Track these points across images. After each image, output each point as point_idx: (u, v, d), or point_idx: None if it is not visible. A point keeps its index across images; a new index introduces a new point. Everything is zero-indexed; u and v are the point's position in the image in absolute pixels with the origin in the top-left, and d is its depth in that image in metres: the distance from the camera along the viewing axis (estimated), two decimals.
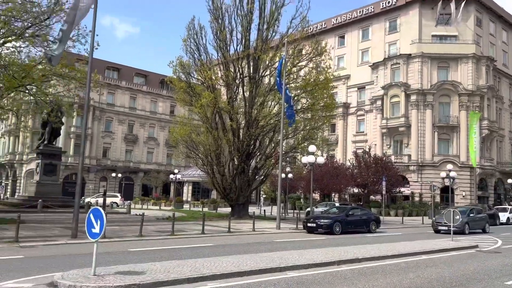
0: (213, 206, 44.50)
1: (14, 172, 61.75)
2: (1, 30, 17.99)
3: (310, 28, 40.61)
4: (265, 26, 30.18)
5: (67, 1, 19.15)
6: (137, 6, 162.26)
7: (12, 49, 19.71)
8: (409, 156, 49.24)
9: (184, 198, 56.36)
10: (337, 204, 35.86)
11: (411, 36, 52.19)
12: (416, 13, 52.79)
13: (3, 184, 64.97)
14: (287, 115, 24.97)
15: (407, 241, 17.64)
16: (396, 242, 17.53)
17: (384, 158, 42.82)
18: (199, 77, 30.73)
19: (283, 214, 35.00)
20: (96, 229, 8.57)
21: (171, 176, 53.50)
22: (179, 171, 55.31)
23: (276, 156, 29.67)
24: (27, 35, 18.73)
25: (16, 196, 49.71)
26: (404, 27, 53.86)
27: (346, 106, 58.07)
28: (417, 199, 47.42)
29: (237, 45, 30.54)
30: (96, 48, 17.49)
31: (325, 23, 61.28)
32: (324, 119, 31.53)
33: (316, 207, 35.09)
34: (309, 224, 22.00)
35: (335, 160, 50.13)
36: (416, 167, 48.70)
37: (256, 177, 32.10)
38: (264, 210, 36.02)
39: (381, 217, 27.41)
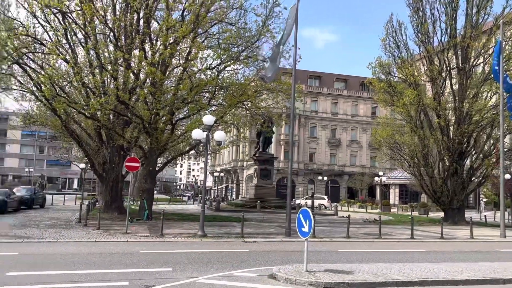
0: (423, 210, 41.85)
1: (237, 176, 71.19)
2: (222, 57, 21.27)
3: None
4: (474, 10, 27.13)
5: (272, 22, 21.34)
6: (335, 14, 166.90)
7: (231, 72, 23.06)
8: None
9: (391, 201, 54.64)
10: None
11: None
12: None
13: (229, 187, 75.92)
14: (508, 106, 21.89)
15: None
16: None
17: None
18: (400, 75, 29.59)
19: (510, 221, 30.48)
20: (306, 228, 9.37)
21: (376, 178, 52.75)
22: (384, 174, 54.04)
23: (497, 154, 26.14)
24: (242, 57, 21.65)
25: (239, 198, 57.18)
26: None
27: None
28: None
29: (441, 36, 28.30)
30: (299, 61, 18.98)
31: None
32: None
33: None
34: None
35: None
36: None
37: (472, 178, 28.92)
38: (485, 216, 31.97)
39: None
